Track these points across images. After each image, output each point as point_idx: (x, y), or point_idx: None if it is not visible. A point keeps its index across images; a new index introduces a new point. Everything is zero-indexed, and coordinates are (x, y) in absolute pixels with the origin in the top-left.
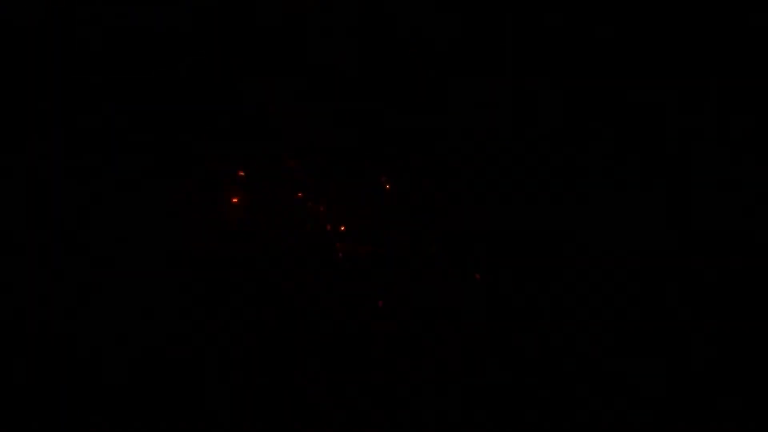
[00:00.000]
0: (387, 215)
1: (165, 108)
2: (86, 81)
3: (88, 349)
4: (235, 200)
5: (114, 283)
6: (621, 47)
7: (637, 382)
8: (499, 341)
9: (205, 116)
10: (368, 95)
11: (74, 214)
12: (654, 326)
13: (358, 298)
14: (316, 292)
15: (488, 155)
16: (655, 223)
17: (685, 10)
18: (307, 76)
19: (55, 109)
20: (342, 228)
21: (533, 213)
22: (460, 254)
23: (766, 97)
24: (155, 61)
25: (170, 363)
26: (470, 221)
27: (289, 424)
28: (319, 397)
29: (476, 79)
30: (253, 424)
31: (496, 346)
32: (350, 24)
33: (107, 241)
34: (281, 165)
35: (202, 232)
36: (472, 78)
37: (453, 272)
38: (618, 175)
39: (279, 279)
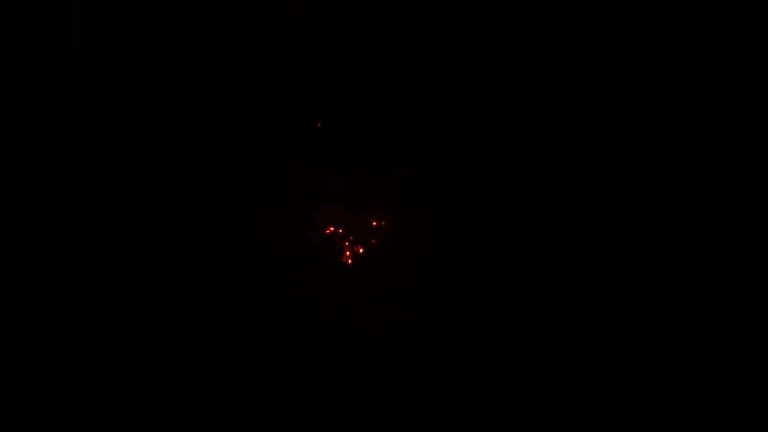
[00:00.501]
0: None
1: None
2: (86, 81)
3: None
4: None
5: (115, 284)
6: (621, 47)
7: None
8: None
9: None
10: (368, 95)
11: (74, 214)
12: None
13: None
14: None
15: (489, 156)
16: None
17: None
18: (307, 76)
19: (55, 109)
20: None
21: (535, 213)
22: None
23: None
24: (155, 61)
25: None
26: (473, 221)
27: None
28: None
29: (477, 79)
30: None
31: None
32: (350, 24)
33: (107, 242)
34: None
35: (202, 232)
36: (472, 78)
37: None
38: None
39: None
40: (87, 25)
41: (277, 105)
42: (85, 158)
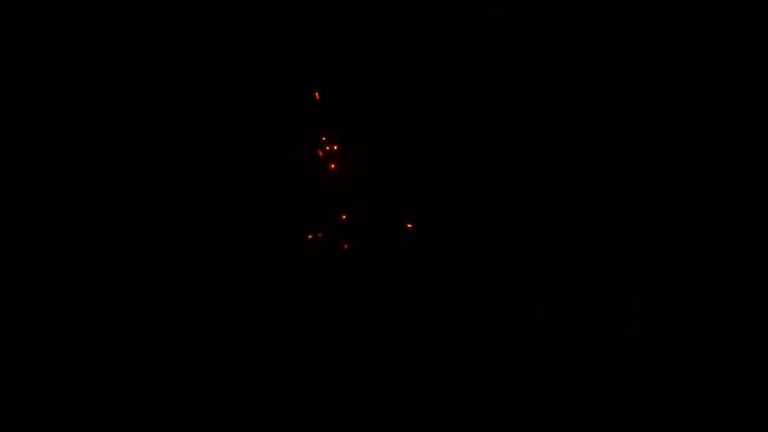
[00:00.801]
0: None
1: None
2: (86, 81)
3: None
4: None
5: (113, 285)
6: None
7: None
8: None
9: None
10: (368, 94)
11: (74, 214)
12: None
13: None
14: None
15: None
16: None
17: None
18: (307, 76)
19: (55, 109)
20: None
21: (533, 212)
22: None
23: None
24: (155, 62)
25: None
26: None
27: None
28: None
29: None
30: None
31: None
32: (351, 24)
33: (107, 243)
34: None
35: (203, 232)
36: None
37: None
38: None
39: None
40: (87, 25)
41: (277, 105)
42: (86, 158)
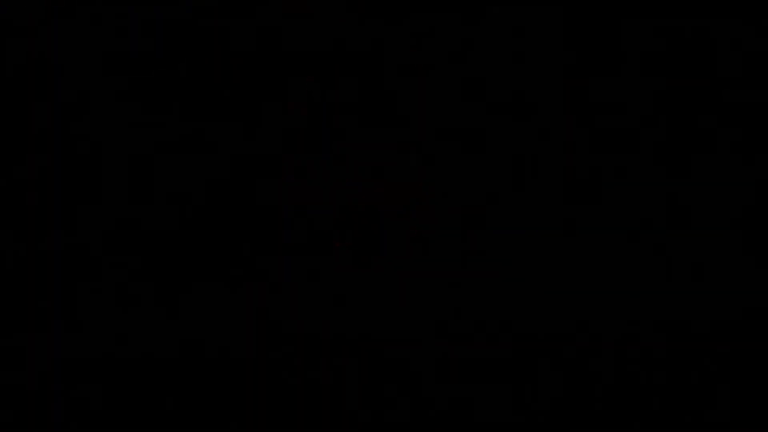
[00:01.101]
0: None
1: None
2: (86, 81)
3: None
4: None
5: (113, 285)
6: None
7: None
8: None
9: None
10: (368, 95)
11: (75, 215)
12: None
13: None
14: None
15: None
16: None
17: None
18: (307, 76)
19: (55, 109)
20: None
21: (530, 211)
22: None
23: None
24: (155, 62)
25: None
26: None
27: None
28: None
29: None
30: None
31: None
32: (351, 25)
33: (107, 243)
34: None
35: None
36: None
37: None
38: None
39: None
40: (87, 25)
41: (276, 105)
42: (86, 158)
